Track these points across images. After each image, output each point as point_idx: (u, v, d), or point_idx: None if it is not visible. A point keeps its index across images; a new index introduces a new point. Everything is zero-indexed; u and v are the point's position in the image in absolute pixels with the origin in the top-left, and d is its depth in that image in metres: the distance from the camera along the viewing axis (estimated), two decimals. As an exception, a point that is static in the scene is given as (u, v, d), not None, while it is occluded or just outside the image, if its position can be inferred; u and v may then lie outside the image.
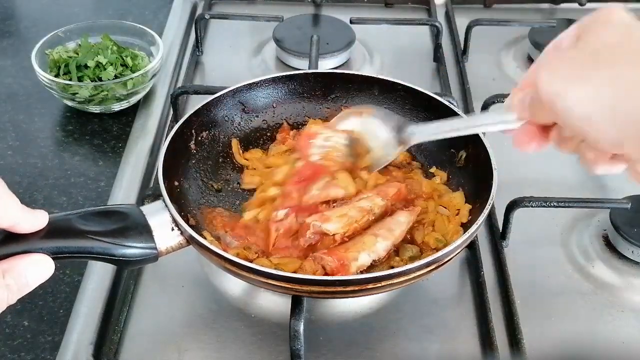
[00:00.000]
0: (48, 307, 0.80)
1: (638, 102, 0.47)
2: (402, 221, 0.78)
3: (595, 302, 0.82)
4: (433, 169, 0.88)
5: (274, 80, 0.93)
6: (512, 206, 0.85)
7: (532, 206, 0.85)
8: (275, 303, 0.80)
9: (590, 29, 0.52)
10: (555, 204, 0.85)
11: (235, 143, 0.91)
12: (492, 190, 0.74)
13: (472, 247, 0.84)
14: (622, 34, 0.50)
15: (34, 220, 0.59)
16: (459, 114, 0.84)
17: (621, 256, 0.85)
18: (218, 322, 0.78)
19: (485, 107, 0.98)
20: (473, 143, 0.82)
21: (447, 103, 0.87)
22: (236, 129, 0.92)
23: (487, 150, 0.79)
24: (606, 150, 0.52)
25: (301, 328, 0.67)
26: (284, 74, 0.94)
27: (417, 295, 0.81)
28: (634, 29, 0.50)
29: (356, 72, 0.95)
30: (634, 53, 0.49)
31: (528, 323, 0.77)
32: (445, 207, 0.82)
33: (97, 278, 0.81)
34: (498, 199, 0.82)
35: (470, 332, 0.78)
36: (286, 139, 0.92)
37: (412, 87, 0.90)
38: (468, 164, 0.84)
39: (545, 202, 0.85)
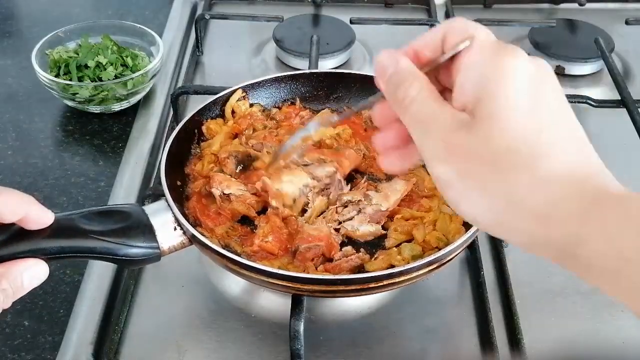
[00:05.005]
0: (48, 307, 0.80)
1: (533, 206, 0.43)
2: (398, 189, 0.79)
3: (595, 302, 0.82)
4: None
5: (277, 79, 0.93)
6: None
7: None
8: (275, 303, 0.80)
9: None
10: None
11: (238, 92, 0.90)
12: None
13: (472, 247, 0.84)
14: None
15: (45, 214, 0.59)
16: None
17: (621, 256, 0.85)
18: (218, 322, 0.78)
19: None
20: None
21: None
22: None
23: None
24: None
25: (301, 328, 0.67)
26: (287, 73, 0.94)
27: (417, 295, 0.81)
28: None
29: (359, 72, 0.94)
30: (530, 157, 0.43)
31: (528, 323, 0.77)
32: (448, 206, 0.82)
33: (97, 278, 0.81)
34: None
35: (470, 332, 0.78)
36: (290, 116, 0.91)
37: None
38: None
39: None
